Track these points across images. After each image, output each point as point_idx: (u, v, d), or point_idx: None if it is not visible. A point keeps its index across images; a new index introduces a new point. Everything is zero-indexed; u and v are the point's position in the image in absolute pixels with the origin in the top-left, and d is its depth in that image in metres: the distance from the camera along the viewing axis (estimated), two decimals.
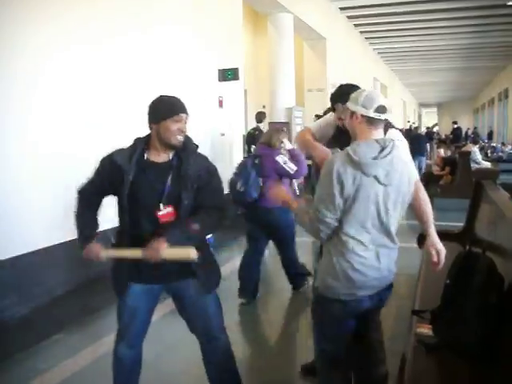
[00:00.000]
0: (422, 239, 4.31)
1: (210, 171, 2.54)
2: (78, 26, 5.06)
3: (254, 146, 8.76)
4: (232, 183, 4.55)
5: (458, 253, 2.54)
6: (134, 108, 5.67)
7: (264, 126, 9.35)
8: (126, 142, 2.54)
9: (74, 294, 4.87)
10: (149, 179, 2.44)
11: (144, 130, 2.53)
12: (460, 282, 2.34)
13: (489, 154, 20.30)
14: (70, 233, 4.88)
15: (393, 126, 2.91)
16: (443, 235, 4.39)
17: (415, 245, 4.24)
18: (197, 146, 2.70)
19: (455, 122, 24.07)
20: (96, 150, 5.15)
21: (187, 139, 2.52)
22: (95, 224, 2.60)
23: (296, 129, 10.93)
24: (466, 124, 35.17)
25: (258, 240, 4.78)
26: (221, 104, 8.02)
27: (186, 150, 2.50)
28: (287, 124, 10.13)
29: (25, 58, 4.50)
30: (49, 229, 4.74)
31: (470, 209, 4.36)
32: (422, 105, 49.06)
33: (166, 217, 2.42)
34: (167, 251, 2.30)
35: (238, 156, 8.44)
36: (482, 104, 40.01)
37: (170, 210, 2.42)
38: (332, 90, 3.08)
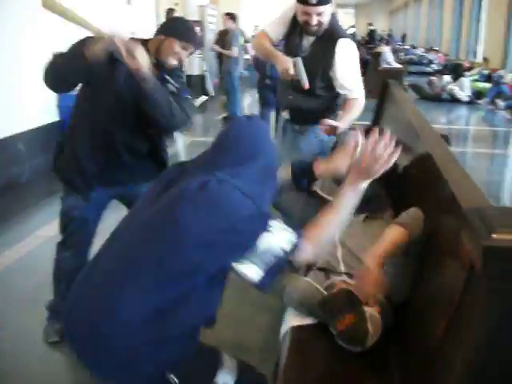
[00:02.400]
0: None
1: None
2: None
3: None
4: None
5: None
6: None
7: None
8: None
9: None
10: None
11: None
12: None
13: (401, 57, 20.74)
14: None
15: (344, 35, 2.87)
16: None
17: None
18: None
19: (370, 24, 24.19)
20: None
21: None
22: None
23: (209, 27, 10.60)
24: (381, 26, 35.38)
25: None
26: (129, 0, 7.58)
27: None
28: (200, 23, 9.77)
29: None
30: None
31: (376, 107, 4.50)
32: (340, 5, 48.53)
33: None
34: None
35: None
36: (397, 6, 40.19)
37: None
38: None
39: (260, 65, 6.60)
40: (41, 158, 5.50)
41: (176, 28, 2.41)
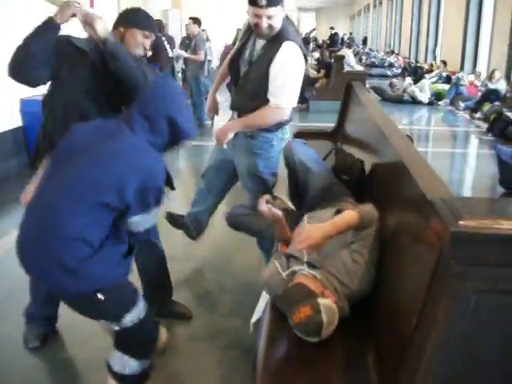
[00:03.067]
0: None
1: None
2: None
3: None
4: None
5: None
6: None
7: None
8: None
9: None
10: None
11: None
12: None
13: (363, 60, 21.11)
14: None
15: (292, 39, 2.82)
16: (317, 134, 4.68)
17: None
18: None
19: (332, 28, 24.54)
20: None
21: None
22: None
23: (172, 33, 10.58)
24: (342, 30, 35.89)
25: None
26: (92, 4, 7.52)
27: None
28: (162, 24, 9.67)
29: None
30: None
31: (341, 108, 4.59)
32: (301, 9, 49.09)
33: None
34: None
35: None
36: (358, 10, 40.87)
37: None
38: None
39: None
40: (2, 165, 5.41)
41: (135, 18, 2.44)
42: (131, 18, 2.43)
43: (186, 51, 8.50)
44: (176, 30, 11.10)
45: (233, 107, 3.12)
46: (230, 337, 2.84)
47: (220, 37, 13.13)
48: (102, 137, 1.91)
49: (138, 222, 1.92)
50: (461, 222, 1.17)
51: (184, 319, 2.98)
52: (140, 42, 2.41)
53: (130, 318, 1.95)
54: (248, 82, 2.92)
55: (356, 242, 2.03)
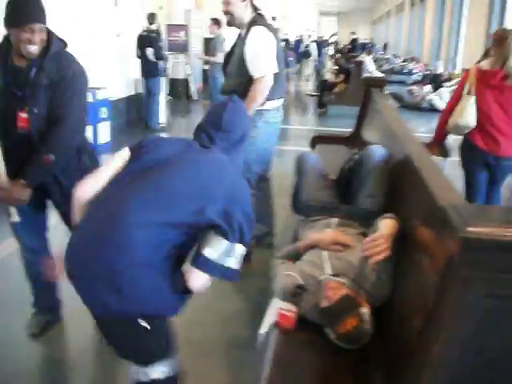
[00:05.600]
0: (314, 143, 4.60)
1: (74, 76, 2.36)
2: None
3: (150, 49, 8.21)
4: None
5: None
6: None
7: (157, 28, 8.79)
8: None
9: None
10: (9, 84, 2.31)
11: None
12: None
13: (382, 66, 21.04)
14: None
15: (260, 24, 3.21)
16: (334, 139, 4.70)
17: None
18: (65, 44, 2.43)
19: (353, 33, 24.48)
20: None
21: (53, 41, 2.33)
22: None
23: (194, 32, 10.62)
24: (363, 35, 35.78)
25: None
26: (116, 2, 7.62)
27: (45, 56, 2.31)
28: (185, 27, 9.79)
29: None
30: None
31: (359, 114, 4.62)
32: (323, 13, 49.04)
33: (22, 122, 2.31)
34: None
35: (131, 58, 8.07)
36: (379, 16, 40.71)
37: (25, 115, 2.31)
38: None
39: None
40: None
41: (9, 17, 2.22)
42: (6, 19, 2.22)
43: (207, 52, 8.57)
44: (198, 30, 11.13)
45: (222, 91, 3.40)
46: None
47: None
48: (186, 150, 1.80)
49: (210, 258, 1.60)
50: (470, 229, 1.19)
51: None
52: (23, 39, 2.20)
53: (163, 368, 1.73)
54: (231, 66, 3.33)
55: None
